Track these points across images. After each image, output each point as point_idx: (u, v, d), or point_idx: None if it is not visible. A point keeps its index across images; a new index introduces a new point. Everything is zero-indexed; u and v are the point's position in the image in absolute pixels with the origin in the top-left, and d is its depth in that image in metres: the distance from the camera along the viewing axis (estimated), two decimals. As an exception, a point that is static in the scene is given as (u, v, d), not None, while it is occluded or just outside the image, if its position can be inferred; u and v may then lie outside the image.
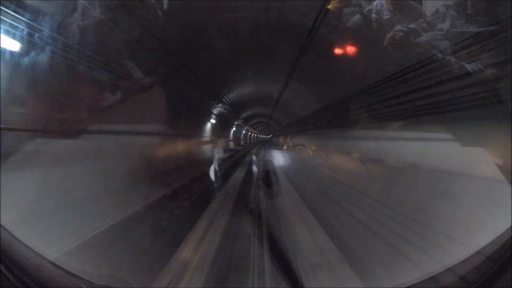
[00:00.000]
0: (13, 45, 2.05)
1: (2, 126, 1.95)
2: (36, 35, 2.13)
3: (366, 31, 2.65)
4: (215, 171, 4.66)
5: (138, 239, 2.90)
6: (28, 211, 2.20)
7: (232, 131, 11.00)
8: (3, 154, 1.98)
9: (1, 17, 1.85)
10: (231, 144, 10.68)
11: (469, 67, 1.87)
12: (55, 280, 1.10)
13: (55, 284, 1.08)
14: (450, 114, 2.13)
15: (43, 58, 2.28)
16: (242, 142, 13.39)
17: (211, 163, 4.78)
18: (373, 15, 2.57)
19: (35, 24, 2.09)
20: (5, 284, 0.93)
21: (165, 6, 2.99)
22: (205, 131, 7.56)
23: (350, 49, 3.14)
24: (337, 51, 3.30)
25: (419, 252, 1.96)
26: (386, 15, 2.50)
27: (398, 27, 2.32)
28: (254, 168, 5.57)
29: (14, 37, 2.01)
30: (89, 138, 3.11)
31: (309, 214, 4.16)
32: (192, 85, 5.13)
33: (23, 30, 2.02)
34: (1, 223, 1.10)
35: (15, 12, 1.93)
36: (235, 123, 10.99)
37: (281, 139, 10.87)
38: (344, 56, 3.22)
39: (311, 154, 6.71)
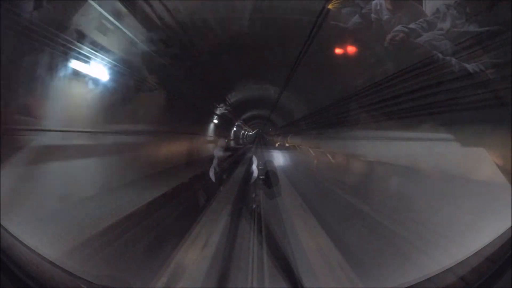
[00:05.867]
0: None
1: (2, 126, 1.95)
2: (36, 35, 2.13)
3: (366, 32, 2.64)
4: (215, 171, 4.67)
5: (138, 238, 2.90)
6: (28, 211, 2.20)
7: (232, 131, 11.01)
8: (3, 154, 1.98)
9: (1, 17, 1.84)
10: (231, 143, 10.68)
11: (469, 67, 1.86)
12: (55, 280, 1.10)
13: (55, 284, 1.08)
14: (450, 115, 2.13)
15: (43, 58, 2.28)
16: (241, 141, 13.41)
17: (211, 162, 4.78)
18: (373, 15, 2.55)
19: (33, 25, 2.08)
20: (5, 284, 0.93)
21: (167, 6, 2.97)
22: (205, 131, 7.56)
23: (351, 49, 3.13)
24: (338, 51, 3.29)
25: (419, 253, 1.96)
26: (386, 15, 2.49)
27: (398, 27, 2.29)
28: (254, 168, 5.57)
29: (13, 37, 2.00)
30: (89, 138, 3.11)
31: (309, 214, 4.16)
32: (194, 85, 5.13)
33: (22, 30, 2.02)
34: (1, 223, 1.10)
35: (14, 12, 1.92)
36: (235, 123, 10.99)
37: (281, 139, 10.89)
38: (345, 56, 3.22)
39: (309, 153, 6.71)
